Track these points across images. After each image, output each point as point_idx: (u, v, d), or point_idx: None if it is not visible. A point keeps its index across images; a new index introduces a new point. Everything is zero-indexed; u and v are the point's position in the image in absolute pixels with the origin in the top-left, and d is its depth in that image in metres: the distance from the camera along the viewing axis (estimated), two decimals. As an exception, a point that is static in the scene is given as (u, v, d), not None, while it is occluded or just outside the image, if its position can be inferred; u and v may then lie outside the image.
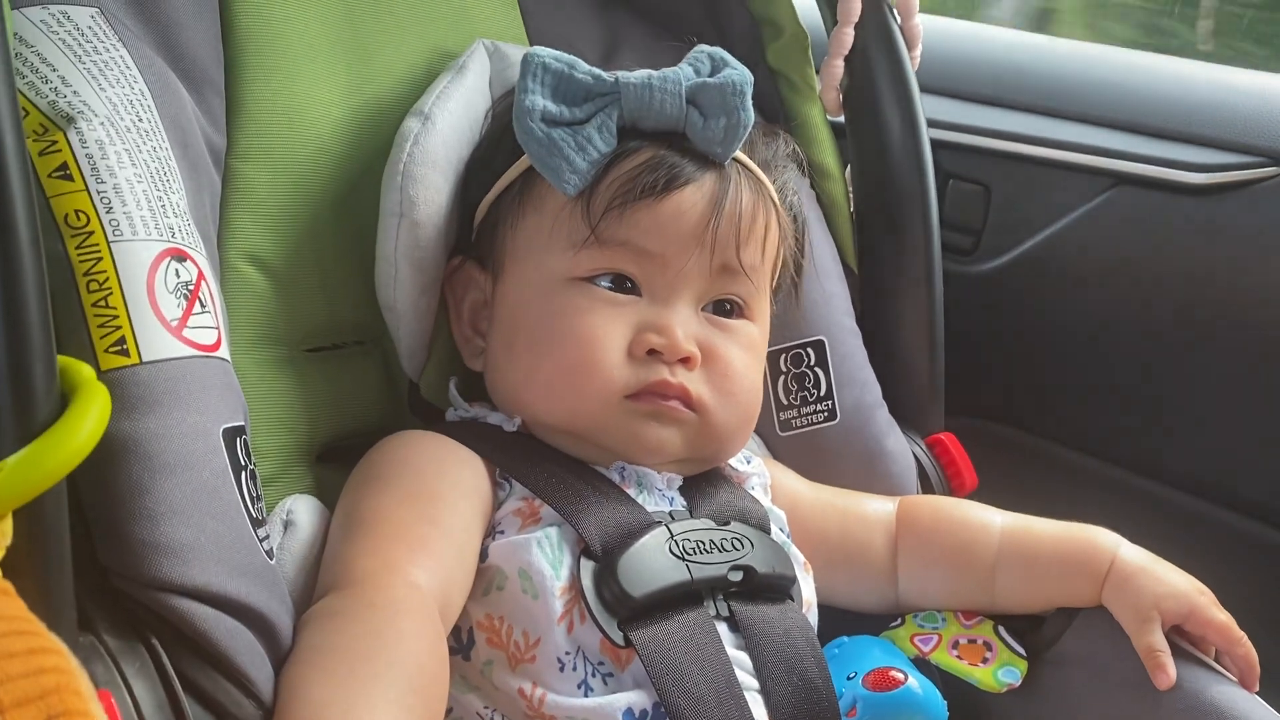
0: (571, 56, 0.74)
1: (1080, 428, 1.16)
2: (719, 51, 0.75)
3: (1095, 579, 0.80)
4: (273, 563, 0.61)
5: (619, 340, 0.72)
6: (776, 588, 0.74)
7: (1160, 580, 0.79)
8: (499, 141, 0.78)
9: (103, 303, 0.54)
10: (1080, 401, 1.15)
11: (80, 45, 0.59)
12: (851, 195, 1.01)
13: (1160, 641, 0.76)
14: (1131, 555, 0.80)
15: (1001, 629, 0.83)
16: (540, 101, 0.72)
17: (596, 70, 0.73)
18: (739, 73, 0.74)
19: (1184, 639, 0.79)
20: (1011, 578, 0.83)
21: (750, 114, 0.73)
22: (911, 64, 0.98)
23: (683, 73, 0.73)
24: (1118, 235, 1.10)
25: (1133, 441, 1.13)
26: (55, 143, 0.55)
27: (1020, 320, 1.16)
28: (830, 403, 0.93)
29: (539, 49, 0.74)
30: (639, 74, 0.73)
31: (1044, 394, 1.17)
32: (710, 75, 0.74)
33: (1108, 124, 1.11)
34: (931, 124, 0.99)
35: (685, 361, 0.72)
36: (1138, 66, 1.19)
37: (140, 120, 0.60)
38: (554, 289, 0.73)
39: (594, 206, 0.72)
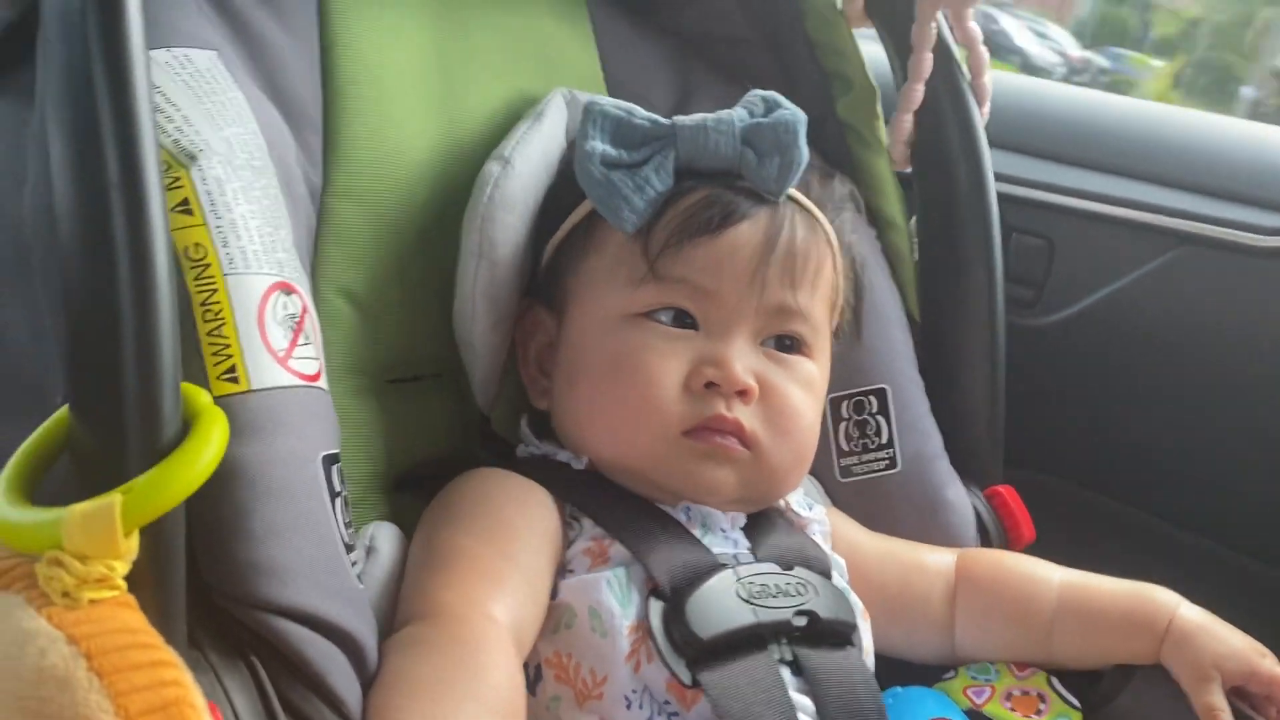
0: (630, 104, 0.76)
1: (1139, 485, 1.15)
2: (772, 94, 0.78)
3: (1154, 636, 0.80)
4: (361, 587, 0.63)
5: (676, 375, 0.73)
6: (839, 634, 0.74)
7: (1221, 640, 0.79)
8: (563, 188, 0.81)
9: (217, 332, 0.56)
10: (1140, 459, 1.15)
11: (200, 86, 0.62)
12: (916, 245, 1.02)
13: (1220, 701, 0.76)
14: (1191, 614, 0.81)
15: (1055, 681, 0.83)
16: (599, 146, 0.75)
17: (654, 115, 0.76)
18: (791, 112, 0.76)
19: (1243, 703, 0.78)
20: (1069, 633, 0.83)
21: (804, 152, 0.75)
22: (980, 120, 0.99)
23: (736, 114, 0.76)
24: (1181, 295, 1.10)
25: (1192, 502, 1.12)
26: (179, 179, 0.58)
27: (1080, 375, 1.16)
28: (891, 451, 0.94)
29: (599, 98, 0.77)
30: (694, 117, 0.76)
31: (1103, 450, 1.17)
32: (764, 116, 0.76)
33: (1173, 184, 1.12)
34: (996, 178, 1.00)
35: (743, 395, 0.73)
36: (1204, 127, 1.19)
37: (254, 159, 0.63)
38: (613, 326, 0.75)
39: (652, 244, 0.74)
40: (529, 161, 0.81)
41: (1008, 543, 0.97)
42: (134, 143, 0.47)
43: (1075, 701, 0.82)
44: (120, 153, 0.47)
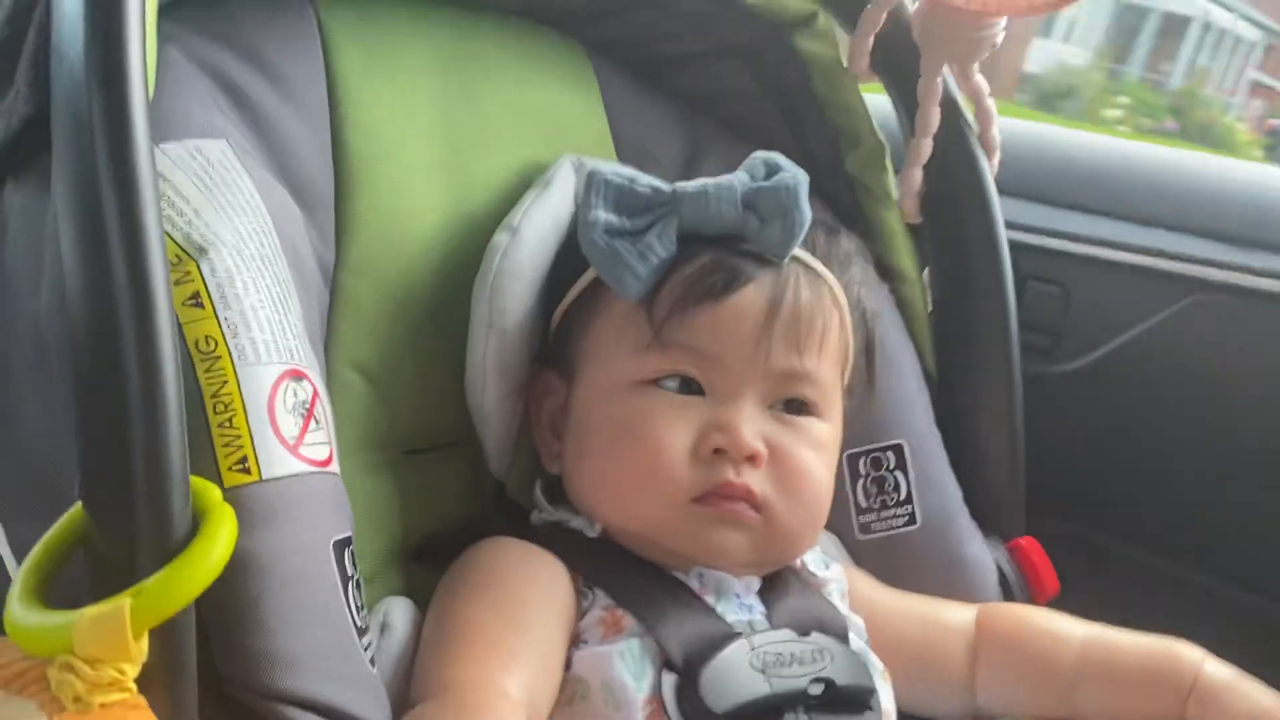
0: (633, 171, 0.77)
1: (1162, 533, 1.14)
2: (774, 156, 0.78)
3: (1179, 694, 0.79)
4: (374, 670, 0.63)
5: (684, 441, 0.73)
6: (857, 699, 0.74)
7: (1249, 698, 0.77)
8: (570, 255, 0.81)
9: (228, 424, 0.57)
10: (1162, 507, 1.14)
11: (211, 177, 0.64)
12: (929, 298, 1.02)
13: None
14: (1217, 671, 0.79)
15: (1080, 739, 0.82)
16: (602, 214, 0.75)
17: (656, 182, 0.77)
18: (792, 174, 0.76)
19: (1273, 762, 0.77)
20: (1093, 690, 0.82)
21: (806, 213, 0.75)
22: (990, 171, 1.00)
23: (738, 178, 0.76)
24: (1199, 341, 1.10)
25: (1216, 550, 1.11)
26: (189, 272, 0.59)
27: (1100, 422, 1.16)
28: (910, 507, 0.94)
29: (602, 166, 0.78)
30: (696, 183, 0.76)
31: (1125, 498, 1.16)
32: (765, 179, 0.76)
33: (1188, 230, 1.11)
34: (1010, 225, 1.00)
35: (751, 460, 0.73)
36: (1219, 171, 1.19)
37: (263, 247, 0.64)
38: (620, 392, 0.75)
39: (656, 310, 0.75)
40: (537, 230, 0.82)
41: (1030, 596, 0.96)
42: (140, 241, 0.48)
43: (1099, 760, 0.81)
44: (126, 251, 0.48)
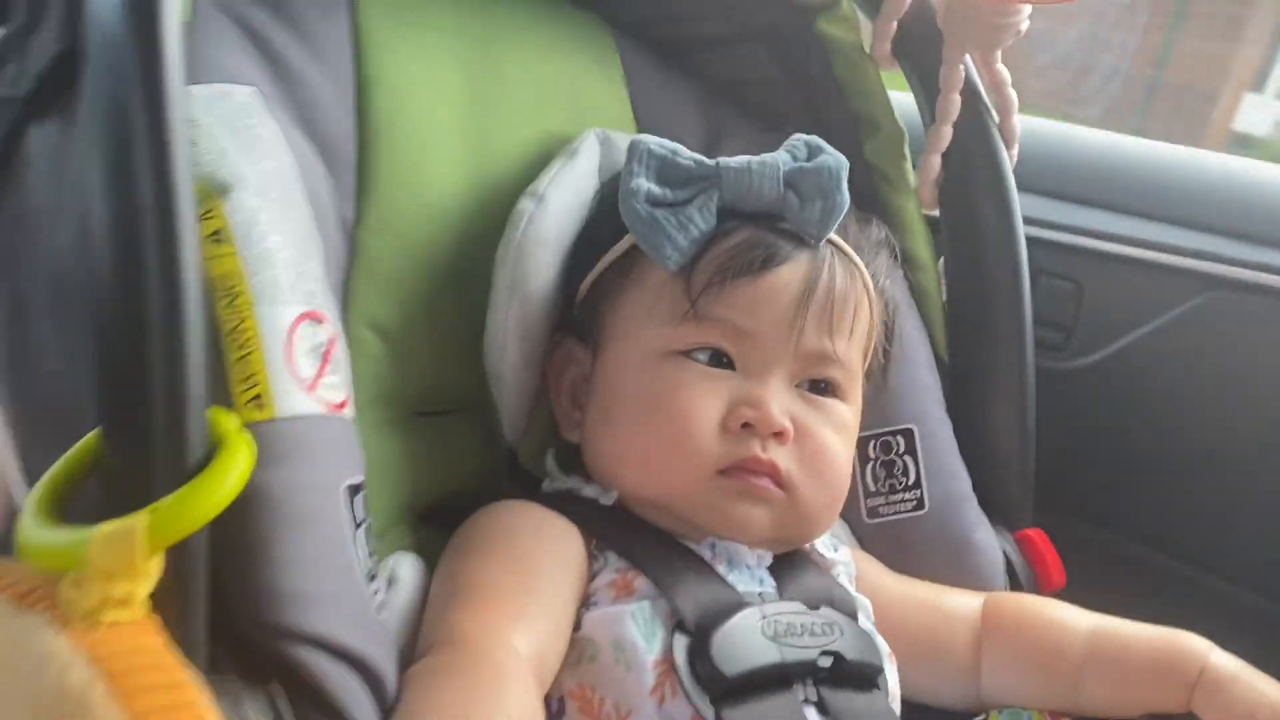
0: (675, 143, 0.77)
1: (1171, 531, 1.14)
2: (815, 139, 0.79)
3: (1184, 685, 0.79)
4: (381, 616, 0.63)
5: (713, 414, 0.73)
6: (864, 676, 0.74)
7: (1255, 690, 0.77)
8: (603, 223, 0.81)
9: (245, 360, 0.57)
10: (1171, 504, 1.13)
11: (238, 121, 0.64)
12: (944, 286, 1.02)
13: None
14: (1223, 662, 0.79)
15: (1088, 729, 0.82)
16: (645, 184, 0.75)
17: (698, 156, 0.77)
18: (834, 158, 0.77)
19: (1279, 755, 0.77)
20: (1098, 680, 0.82)
21: (845, 197, 0.76)
22: (1009, 162, 1.00)
23: (780, 158, 0.77)
24: (1211, 339, 1.10)
25: (1224, 548, 1.11)
26: (213, 210, 0.59)
27: (1111, 419, 1.16)
28: (919, 492, 0.94)
29: (645, 136, 0.78)
30: (739, 159, 0.76)
31: (1134, 494, 1.16)
32: (807, 160, 0.77)
33: (1202, 227, 1.12)
34: (1025, 221, 1.00)
35: (778, 436, 0.74)
36: (1233, 170, 1.19)
37: (287, 192, 0.64)
38: (651, 362, 0.76)
39: (694, 282, 0.75)
40: (562, 199, 0.82)
41: (1037, 587, 0.96)
42: (168, 174, 0.48)
43: (1107, 751, 0.80)
44: (155, 183, 0.48)
